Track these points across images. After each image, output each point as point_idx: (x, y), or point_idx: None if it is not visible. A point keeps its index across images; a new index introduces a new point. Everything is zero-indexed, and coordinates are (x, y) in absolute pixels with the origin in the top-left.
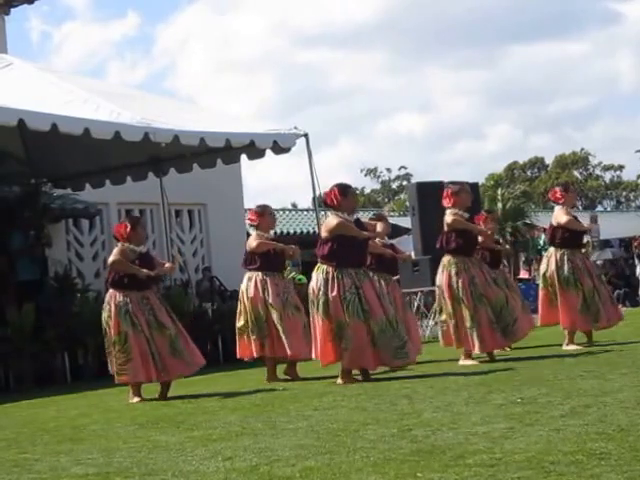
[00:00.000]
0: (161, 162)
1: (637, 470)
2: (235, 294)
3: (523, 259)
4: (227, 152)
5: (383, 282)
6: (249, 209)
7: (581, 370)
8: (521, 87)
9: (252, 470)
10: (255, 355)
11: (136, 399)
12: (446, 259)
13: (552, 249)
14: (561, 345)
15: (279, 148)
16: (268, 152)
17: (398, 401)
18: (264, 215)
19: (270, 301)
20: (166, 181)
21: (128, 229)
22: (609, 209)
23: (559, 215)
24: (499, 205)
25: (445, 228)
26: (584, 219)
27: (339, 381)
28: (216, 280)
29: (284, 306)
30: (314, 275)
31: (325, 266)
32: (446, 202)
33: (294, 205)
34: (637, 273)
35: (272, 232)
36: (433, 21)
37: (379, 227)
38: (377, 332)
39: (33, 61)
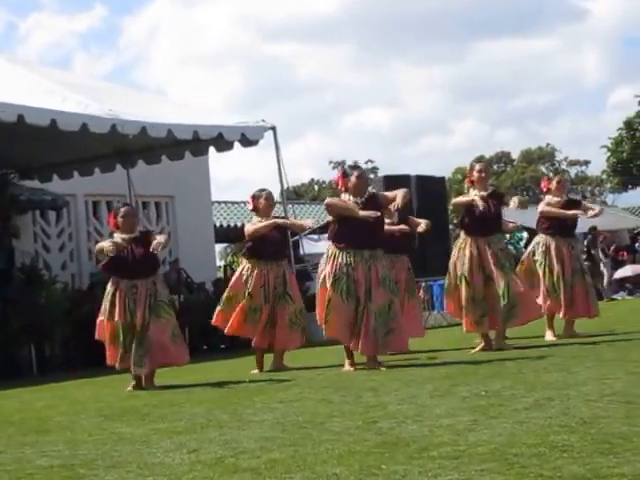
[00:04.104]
0: (129, 154)
1: (599, 462)
2: (202, 286)
3: None
4: (195, 144)
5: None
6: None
7: (546, 363)
8: (487, 82)
9: (217, 462)
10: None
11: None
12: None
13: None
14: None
15: (247, 141)
16: (236, 145)
17: (363, 394)
18: (260, 199)
19: (250, 290)
20: (134, 173)
21: (113, 218)
22: None
23: (540, 205)
24: None
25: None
26: None
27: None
28: (183, 272)
29: (270, 297)
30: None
31: (330, 244)
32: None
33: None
34: (602, 267)
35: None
36: (400, 16)
37: (399, 197)
38: (361, 315)
39: None
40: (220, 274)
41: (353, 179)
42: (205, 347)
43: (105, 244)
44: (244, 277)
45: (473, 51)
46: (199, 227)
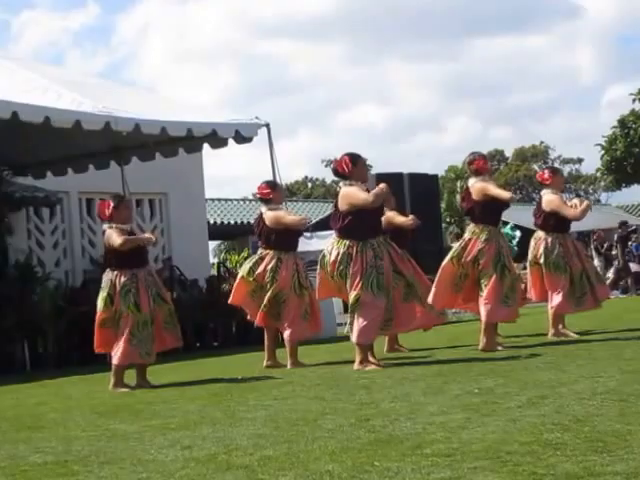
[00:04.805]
0: (123, 151)
1: (592, 460)
2: (195, 283)
3: None
4: (189, 141)
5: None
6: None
7: (538, 361)
8: (481, 80)
9: (210, 459)
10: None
11: (120, 389)
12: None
13: (541, 233)
14: (545, 335)
15: (241, 138)
16: (230, 142)
17: (356, 391)
18: (276, 188)
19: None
20: (127, 170)
21: (111, 208)
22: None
23: (551, 201)
24: (458, 197)
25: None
26: None
27: (356, 366)
28: (176, 270)
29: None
30: (334, 249)
31: (347, 240)
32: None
33: (255, 195)
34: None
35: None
36: (394, 13)
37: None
38: (391, 301)
39: None
40: (214, 271)
41: (361, 167)
42: (198, 344)
43: (145, 236)
44: (291, 271)
45: (467, 48)
46: (193, 224)
